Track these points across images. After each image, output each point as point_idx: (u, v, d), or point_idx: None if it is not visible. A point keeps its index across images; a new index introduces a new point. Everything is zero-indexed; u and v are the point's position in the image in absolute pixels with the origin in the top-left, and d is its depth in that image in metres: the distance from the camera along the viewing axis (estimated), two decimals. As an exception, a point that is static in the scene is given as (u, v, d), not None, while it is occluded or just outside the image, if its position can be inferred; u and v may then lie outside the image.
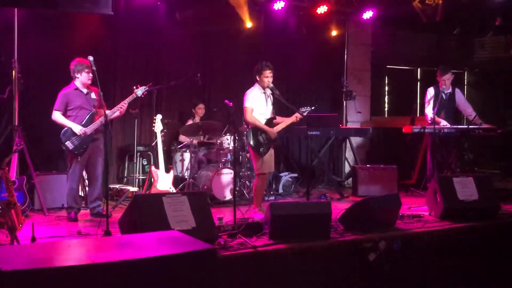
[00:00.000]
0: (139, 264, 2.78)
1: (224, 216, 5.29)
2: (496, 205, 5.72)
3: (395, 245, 4.77)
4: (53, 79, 6.97)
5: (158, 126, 6.48)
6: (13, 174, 5.80)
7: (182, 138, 7.77)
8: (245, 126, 6.12)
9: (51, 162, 7.13)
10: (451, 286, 5.02)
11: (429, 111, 7.34)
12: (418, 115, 9.68)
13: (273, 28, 8.68)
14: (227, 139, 7.25)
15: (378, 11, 8.84)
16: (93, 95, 5.90)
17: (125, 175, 7.81)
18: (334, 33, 9.32)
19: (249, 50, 8.53)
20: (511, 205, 6.16)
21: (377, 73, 10.37)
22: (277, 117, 6.12)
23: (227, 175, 7.05)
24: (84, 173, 6.18)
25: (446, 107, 7.39)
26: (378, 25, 9.52)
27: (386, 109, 11.03)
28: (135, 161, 7.35)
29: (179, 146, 7.60)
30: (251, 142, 5.89)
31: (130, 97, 5.96)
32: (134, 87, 6.04)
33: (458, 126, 7.45)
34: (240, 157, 7.44)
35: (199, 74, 7.26)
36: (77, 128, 5.71)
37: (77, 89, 5.84)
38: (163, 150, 6.50)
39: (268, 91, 5.99)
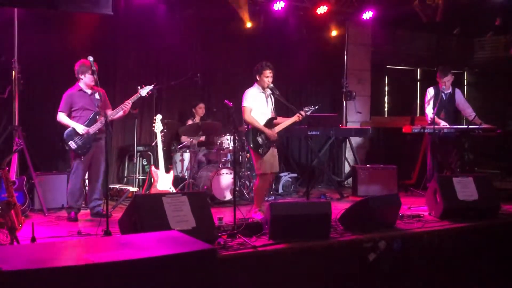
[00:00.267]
0: (139, 264, 2.78)
1: (224, 216, 5.30)
2: (496, 205, 5.73)
3: (395, 245, 4.77)
4: (53, 79, 7.01)
5: (158, 126, 6.47)
6: (13, 174, 5.79)
7: (182, 138, 7.77)
8: (245, 126, 6.12)
9: (51, 162, 7.13)
10: (451, 286, 5.02)
11: (429, 111, 7.34)
12: (418, 115, 9.69)
13: (273, 28, 8.68)
14: (227, 139, 7.26)
15: (378, 11, 8.83)
16: (97, 96, 5.91)
17: (125, 175, 7.81)
18: (334, 33, 9.32)
19: (249, 50, 8.54)
20: (511, 205, 6.16)
21: (377, 73, 10.37)
22: (278, 117, 6.10)
23: (227, 175, 7.05)
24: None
25: (446, 107, 7.40)
26: (378, 25, 9.50)
27: (386, 109, 11.02)
28: (135, 161, 7.34)
29: (179, 146, 7.60)
30: (251, 142, 5.87)
31: (134, 96, 5.95)
32: (139, 87, 6.02)
33: (458, 126, 7.47)
34: (240, 157, 7.44)
35: (199, 74, 7.28)
36: (80, 128, 5.73)
37: (81, 90, 5.86)
38: (163, 150, 6.51)
39: (268, 91, 5.98)
